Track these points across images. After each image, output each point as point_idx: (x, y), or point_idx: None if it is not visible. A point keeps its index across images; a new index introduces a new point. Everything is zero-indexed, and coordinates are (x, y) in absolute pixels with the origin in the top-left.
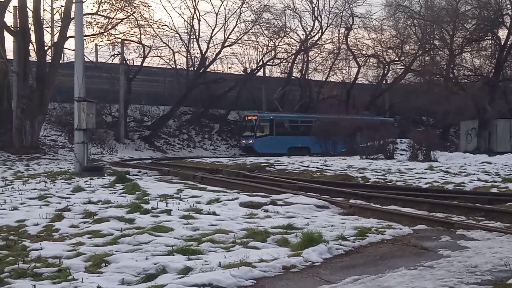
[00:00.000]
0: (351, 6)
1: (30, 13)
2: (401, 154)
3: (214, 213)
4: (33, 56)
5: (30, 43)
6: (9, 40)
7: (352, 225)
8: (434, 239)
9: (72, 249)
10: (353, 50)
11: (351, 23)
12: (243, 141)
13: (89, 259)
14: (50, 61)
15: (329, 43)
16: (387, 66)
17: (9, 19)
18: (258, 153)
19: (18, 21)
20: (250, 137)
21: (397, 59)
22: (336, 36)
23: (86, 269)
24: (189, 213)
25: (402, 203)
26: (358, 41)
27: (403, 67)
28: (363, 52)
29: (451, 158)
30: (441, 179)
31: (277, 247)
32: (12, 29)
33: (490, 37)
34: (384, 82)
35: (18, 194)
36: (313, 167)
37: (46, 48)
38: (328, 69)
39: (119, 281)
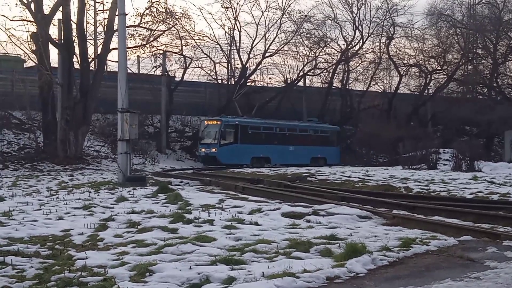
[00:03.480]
0: (392, 15)
1: (74, 26)
2: (444, 164)
3: (256, 223)
4: (77, 68)
5: (74, 55)
6: (53, 52)
7: (396, 235)
8: (480, 250)
9: (116, 259)
10: (394, 60)
11: (392, 33)
12: (203, 150)
13: (133, 269)
14: (93, 72)
15: (370, 52)
16: (429, 76)
17: (53, 31)
18: (222, 164)
19: (62, 34)
20: (213, 145)
21: (439, 68)
22: (377, 46)
23: (130, 278)
24: (231, 223)
25: (447, 214)
26: (400, 50)
27: (445, 76)
28: (405, 62)
29: (495, 168)
30: (486, 189)
31: (320, 257)
32: (57, 41)
33: None
34: (426, 91)
35: (63, 204)
36: (355, 177)
37: (89, 60)
38: (369, 79)
39: None
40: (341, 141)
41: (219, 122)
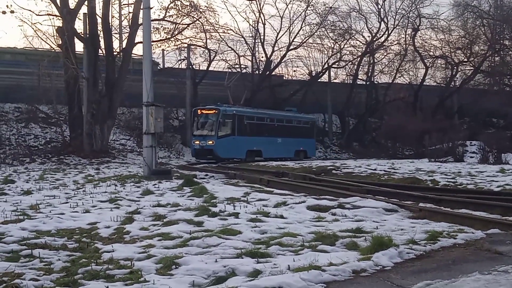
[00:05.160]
0: (418, 6)
1: (99, 20)
2: (471, 157)
3: (281, 216)
4: (102, 62)
5: (99, 49)
6: (79, 46)
7: (423, 229)
8: (508, 243)
9: (143, 251)
10: (420, 51)
11: (418, 24)
12: (197, 142)
13: (159, 261)
14: (119, 66)
15: (395, 44)
16: (455, 67)
17: (79, 26)
18: (220, 158)
19: (87, 28)
20: (209, 137)
21: (465, 60)
22: (403, 37)
23: (157, 271)
24: (256, 216)
25: (474, 207)
26: (426, 42)
27: (472, 68)
28: (431, 53)
29: None
30: None
31: (346, 250)
32: (82, 35)
33: None
34: (452, 83)
35: (90, 197)
36: (380, 170)
37: (115, 54)
38: (395, 71)
39: (189, 283)
40: (316, 133)
41: (216, 112)
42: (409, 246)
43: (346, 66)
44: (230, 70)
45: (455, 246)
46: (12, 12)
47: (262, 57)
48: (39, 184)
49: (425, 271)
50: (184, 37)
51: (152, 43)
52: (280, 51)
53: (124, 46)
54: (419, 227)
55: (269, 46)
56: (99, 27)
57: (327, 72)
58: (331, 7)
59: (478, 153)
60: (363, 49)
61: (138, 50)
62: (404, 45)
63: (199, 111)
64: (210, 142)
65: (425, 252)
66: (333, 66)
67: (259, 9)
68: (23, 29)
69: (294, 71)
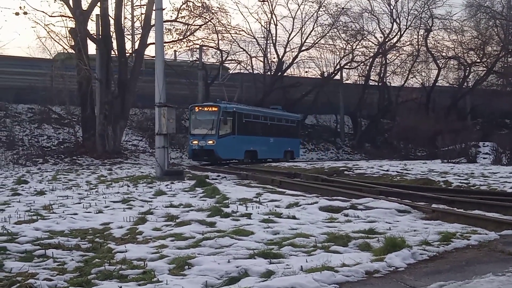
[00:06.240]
0: (430, 7)
1: (111, 21)
2: (484, 158)
3: (294, 217)
4: (115, 63)
5: (112, 50)
6: (92, 47)
7: (436, 230)
8: None
9: (155, 252)
10: (432, 52)
11: (430, 25)
12: (195, 142)
13: (172, 262)
14: (131, 68)
15: (408, 45)
16: (468, 68)
17: (92, 27)
18: (221, 159)
19: (100, 29)
20: (209, 137)
21: (478, 60)
22: (415, 38)
23: (170, 271)
24: (269, 217)
25: (487, 208)
26: (438, 42)
27: (485, 68)
28: (443, 54)
29: None
30: None
31: (359, 251)
32: (95, 36)
33: None
34: (465, 84)
35: (102, 197)
36: (393, 171)
37: (127, 55)
38: (407, 72)
39: (202, 283)
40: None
41: (215, 109)
42: (422, 247)
43: (358, 67)
44: (223, 66)
45: (469, 247)
46: (25, 13)
47: (274, 58)
48: (52, 184)
49: (438, 272)
50: (196, 38)
51: (164, 44)
52: (292, 52)
53: (136, 47)
54: (432, 228)
55: (281, 47)
56: (112, 28)
57: (339, 73)
58: (343, 8)
59: (491, 154)
60: (375, 50)
61: (150, 51)
62: (416, 46)
63: (196, 108)
64: (211, 142)
65: (438, 253)
66: (345, 67)
67: (271, 10)
68: (36, 30)
69: (306, 72)
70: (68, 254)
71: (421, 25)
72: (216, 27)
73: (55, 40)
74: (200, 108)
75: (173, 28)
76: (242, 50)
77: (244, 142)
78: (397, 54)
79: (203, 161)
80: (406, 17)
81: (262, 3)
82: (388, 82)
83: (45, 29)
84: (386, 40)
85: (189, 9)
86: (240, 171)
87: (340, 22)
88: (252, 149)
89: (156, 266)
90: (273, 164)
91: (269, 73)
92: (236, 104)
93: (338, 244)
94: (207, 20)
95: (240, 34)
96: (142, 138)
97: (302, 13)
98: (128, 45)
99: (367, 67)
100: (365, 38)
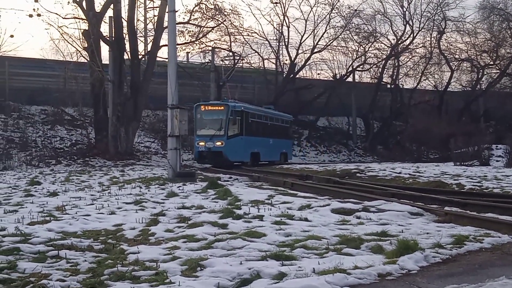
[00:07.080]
0: (443, 9)
1: (124, 23)
2: (497, 161)
3: (306, 219)
4: (127, 65)
5: (124, 52)
6: (104, 49)
7: (448, 232)
8: None
9: (168, 253)
10: (445, 54)
11: (443, 27)
12: (202, 143)
13: (185, 263)
14: (144, 69)
15: (420, 47)
16: (481, 70)
17: (105, 29)
18: (229, 162)
19: (113, 31)
20: (218, 138)
21: (492, 62)
22: (428, 40)
23: (182, 272)
24: (281, 219)
25: (500, 211)
26: (451, 45)
27: (498, 71)
28: (456, 56)
29: None
30: None
31: (372, 254)
32: (108, 38)
33: None
34: (478, 87)
35: (115, 199)
36: (405, 174)
37: (140, 57)
38: (420, 74)
39: (214, 285)
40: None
41: (222, 108)
42: (435, 250)
43: (371, 69)
44: (224, 63)
45: (482, 250)
46: (38, 15)
47: (286, 60)
48: (65, 185)
49: (451, 275)
50: (208, 40)
51: (177, 46)
52: (305, 53)
53: (149, 49)
54: (445, 231)
55: (293, 49)
56: (125, 30)
57: (351, 75)
58: (355, 10)
59: (504, 157)
60: (388, 52)
61: (162, 53)
62: (429, 48)
63: (203, 107)
64: (219, 143)
65: (451, 256)
66: (358, 69)
67: (283, 12)
68: (50, 32)
69: (318, 74)
70: (81, 255)
71: (434, 27)
72: (229, 29)
73: (68, 42)
74: (206, 107)
75: (186, 30)
76: (254, 52)
77: (250, 143)
78: (410, 56)
79: (208, 164)
80: (419, 19)
81: (275, 5)
82: (401, 84)
83: (59, 31)
84: (399, 42)
85: (202, 11)
86: (252, 173)
87: (353, 24)
88: (256, 151)
89: (169, 267)
90: (284, 166)
91: (281, 75)
92: (242, 103)
93: (351, 247)
94: (219, 22)
95: (253, 36)
96: (154, 140)
97: (314, 15)
98: (141, 47)
99: (380, 69)
100: (377, 40)
